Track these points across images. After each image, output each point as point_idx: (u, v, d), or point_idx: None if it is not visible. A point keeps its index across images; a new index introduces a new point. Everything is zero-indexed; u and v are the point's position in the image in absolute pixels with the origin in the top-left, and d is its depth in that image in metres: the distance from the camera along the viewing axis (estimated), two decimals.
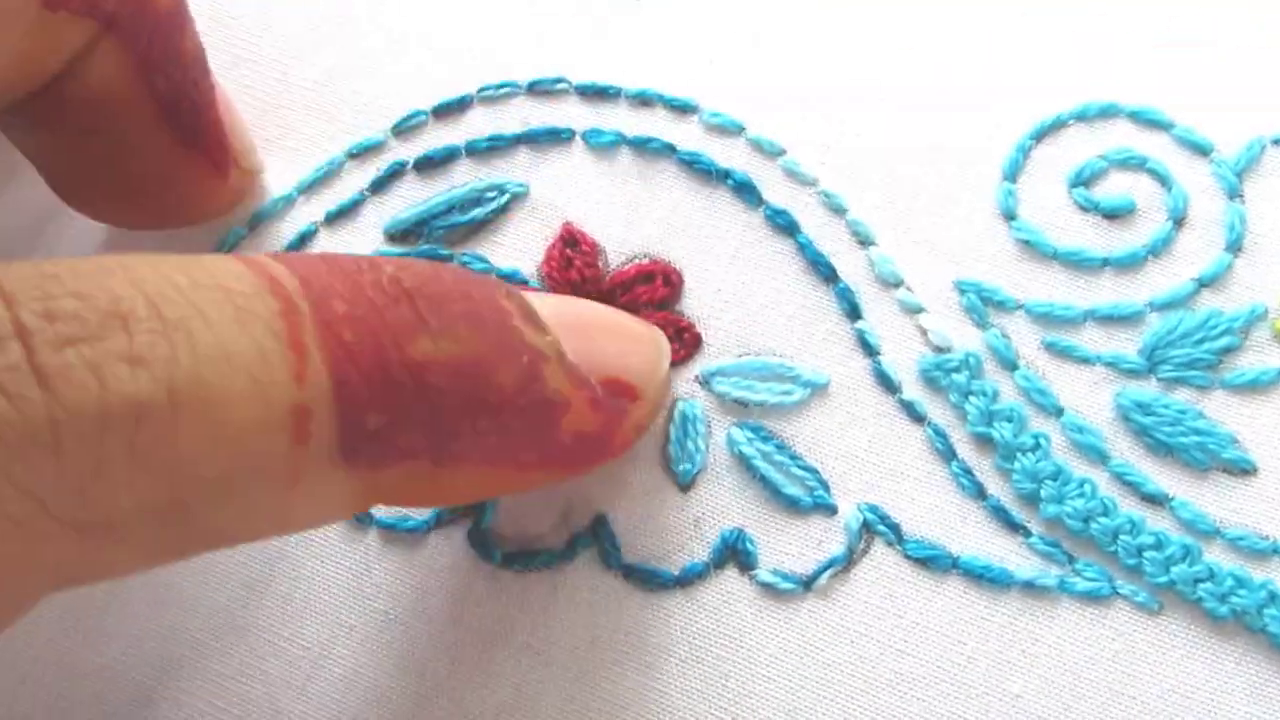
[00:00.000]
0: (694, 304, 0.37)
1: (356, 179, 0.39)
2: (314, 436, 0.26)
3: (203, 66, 0.36)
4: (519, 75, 0.39)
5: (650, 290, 0.37)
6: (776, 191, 0.38)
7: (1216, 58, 0.37)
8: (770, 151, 0.38)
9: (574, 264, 0.37)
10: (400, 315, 0.27)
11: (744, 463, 0.36)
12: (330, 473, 0.27)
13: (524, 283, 0.37)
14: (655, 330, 0.35)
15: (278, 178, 0.39)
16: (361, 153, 0.39)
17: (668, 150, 0.38)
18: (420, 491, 0.30)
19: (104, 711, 0.37)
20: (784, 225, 0.37)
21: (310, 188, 0.39)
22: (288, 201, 0.39)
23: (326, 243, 0.39)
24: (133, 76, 0.34)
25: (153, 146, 0.35)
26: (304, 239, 0.39)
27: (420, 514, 0.36)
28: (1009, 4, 0.38)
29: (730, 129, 0.38)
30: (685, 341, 0.37)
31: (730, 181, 0.38)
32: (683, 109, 0.38)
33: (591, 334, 0.32)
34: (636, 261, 0.37)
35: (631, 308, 0.37)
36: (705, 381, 0.37)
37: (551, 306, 0.31)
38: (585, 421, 0.31)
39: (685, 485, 0.36)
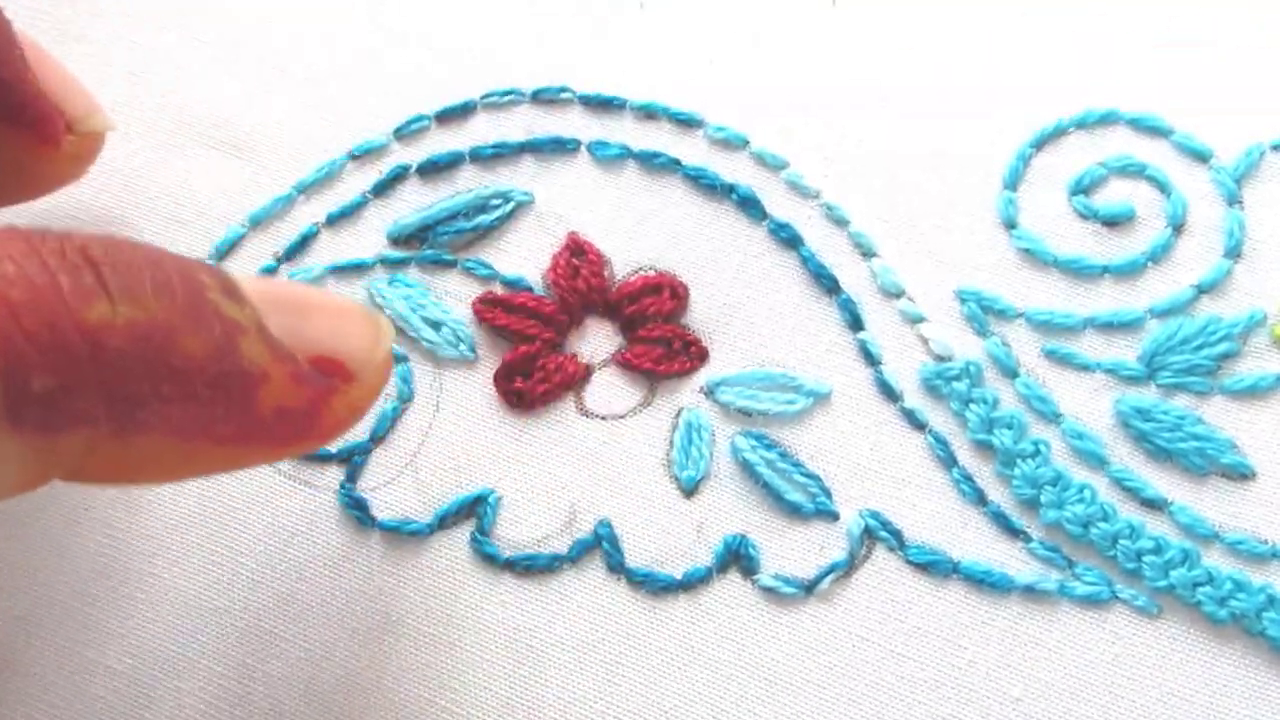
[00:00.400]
0: (700, 317, 0.37)
1: (358, 181, 0.39)
2: None
3: (6, 42, 0.35)
4: (519, 75, 0.39)
5: (658, 303, 0.37)
6: (780, 204, 0.38)
7: (1216, 59, 0.38)
8: (774, 165, 0.38)
9: (580, 273, 0.37)
10: (79, 280, 0.27)
11: (747, 470, 0.36)
12: None
13: (529, 290, 0.38)
14: (378, 314, 0.33)
15: (275, 176, 0.39)
16: (363, 155, 0.39)
17: (673, 165, 0.38)
18: (107, 463, 0.28)
19: (106, 712, 0.37)
20: (787, 239, 0.38)
21: (310, 188, 0.39)
22: (287, 201, 0.39)
23: (328, 244, 0.39)
24: None
25: None
26: (305, 240, 0.39)
27: (423, 517, 0.37)
28: (1008, 9, 0.39)
29: (735, 143, 0.38)
30: (692, 355, 0.37)
31: (735, 196, 0.38)
32: (687, 123, 0.39)
33: (303, 311, 0.31)
34: (642, 273, 0.38)
35: (639, 318, 0.37)
36: (710, 391, 0.37)
37: (260, 284, 0.31)
38: (287, 396, 0.30)
39: (689, 491, 0.36)
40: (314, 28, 0.40)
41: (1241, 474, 0.35)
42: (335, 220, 0.39)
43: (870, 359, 0.37)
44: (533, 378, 0.37)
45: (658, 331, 0.37)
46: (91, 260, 0.27)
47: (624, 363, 0.37)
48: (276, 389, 0.29)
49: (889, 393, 0.36)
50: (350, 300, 0.34)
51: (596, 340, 0.38)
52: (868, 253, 0.37)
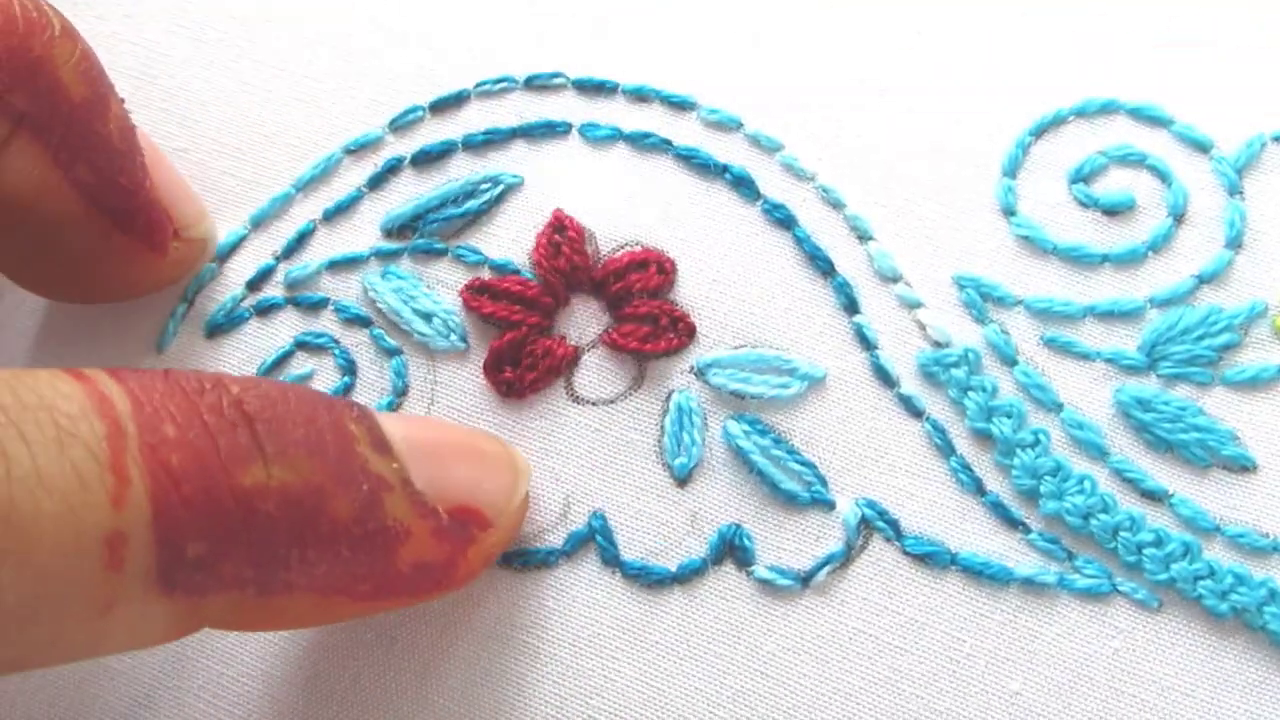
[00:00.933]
0: (688, 293, 0.37)
1: (354, 175, 0.39)
2: (129, 563, 0.26)
3: (129, 149, 0.36)
4: (517, 72, 0.39)
5: (644, 278, 0.37)
6: (774, 186, 0.37)
7: (1217, 57, 0.37)
8: (768, 147, 0.38)
9: (562, 250, 0.37)
10: (235, 441, 0.27)
11: (741, 457, 0.36)
12: (148, 600, 0.26)
13: (515, 272, 0.37)
14: (514, 453, 0.35)
15: (275, 176, 0.39)
16: (359, 149, 0.39)
17: (665, 145, 0.38)
18: (249, 618, 0.29)
19: (107, 713, 0.36)
20: (781, 219, 0.37)
21: (308, 185, 0.39)
22: (285, 199, 0.39)
23: (325, 241, 0.39)
24: (49, 169, 0.34)
25: (83, 233, 0.35)
26: (302, 238, 0.39)
27: None
28: (1010, 3, 0.38)
29: (728, 125, 0.38)
30: (679, 330, 0.36)
31: (728, 176, 0.37)
32: (680, 105, 0.38)
33: (444, 458, 0.31)
34: (628, 249, 0.37)
35: (625, 295, 0.37)
36: (701, 373, 0.36)
37: (404, 429, 0.31)
38: (427, 551, 0.30)
39: (682, 480, 0.36)
40: (314, 28, 0.40)
41: (1243, 466, 0.35)
42: (331, 216, 0.39)
43: (866, 343, 0.36)
44: (521, 365, 0.37)
45: (644, 308, 0.36)
46: (247, 416, 0.27)
47: (611, 343, 0.36)
48: (418, 545, 0.30)
49: (885, 378, 0.36)
50: (489, 439, 0.35)
51: (584, 320, 0.37)
52: (864, 236, 0.37)
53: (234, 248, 0.39)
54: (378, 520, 0.29)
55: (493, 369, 0.37)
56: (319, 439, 0.28)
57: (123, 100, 0.36)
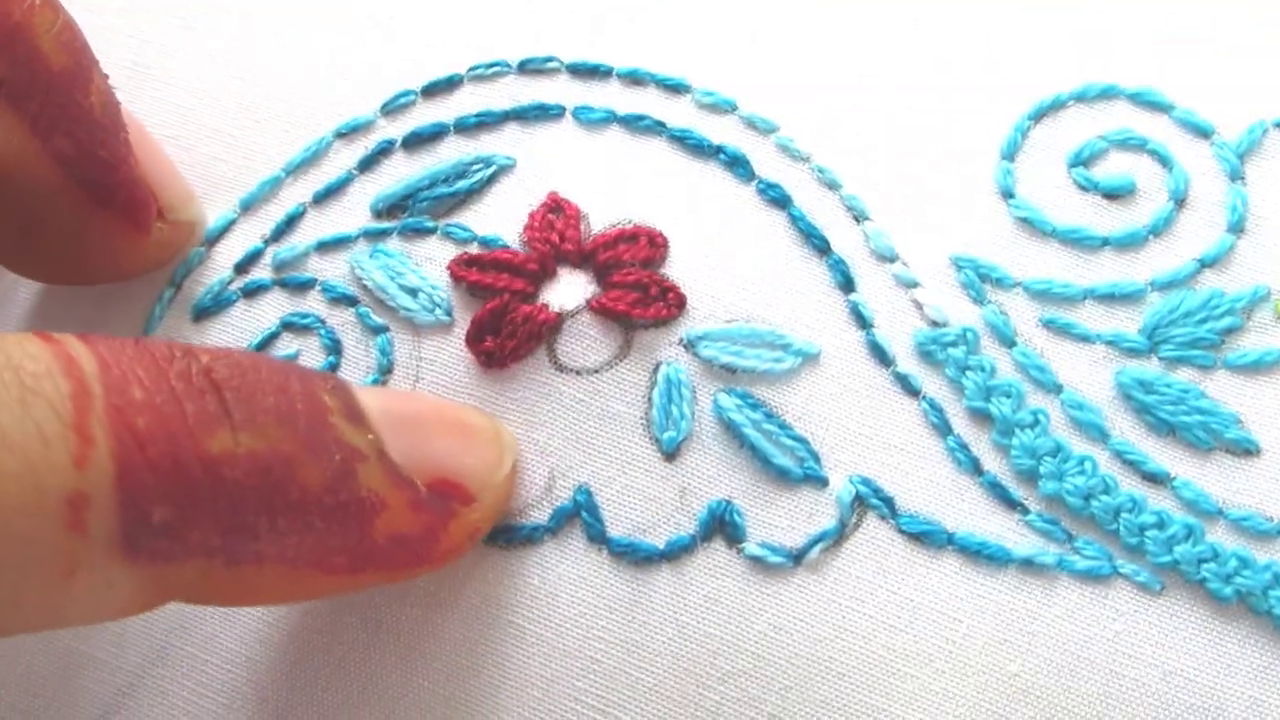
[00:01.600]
0: (680, 268, 0.36)
1: (345, 158, 0.39)
2: (92, 525, 0.25)
3: (112, 124, 0.35)
4: (506, 52, 0.39)
5: (633, 250, 0.36)
6: (769, 167, 0.37)
7: (1216, 52, 0.37)
8: (763, 129, 0.37)
9: (554, 226, 0.36)
10: (202, 407, 0.27)
11: (732, 430, 0.35)
12: (111, 565, 0.26)
13: (504, 247, 0.37)
14: (500, 428, 0.34)
15: (266, 160, 0.39)
16: (350, 132, 0.39)
17: (658, 127, 0.38)
18: (218, 590, 0.28)
19: (92, 702, 0.36)
20: (776, 198, 0.37)
21: (298, 168, 0.39)
22: (275, 183, 0.39)
23: (314, 222, 0.38)
24: (27, 139, 0.33)
25: (62, 206, 0.35)
26: (291, 220, 0.39)
27: None
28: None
29: (723, 107, 0.38)
30: (669, 301, 0.36)
31: (722, 156, 0.37)
32: (675, 88, 0.38)
33: (424, 430, 0.31)
34: (620, 226, 0.37)
35: (614, 265, 0.36)
36: (691, 345, 0.36)
37: (382, 401, 0.30)
38: (404, 523, 0.29)
39: (670, 454, 0.35)
40: (308, 22, 0.40)
41: (1246, 450, 0.34)
42: (322, 198, 0.39)
43: (862, 321, 0.36)
44: (501, 333, 0.36)
45: (633, 277, 0.36)
46: (216, 384, 0.27)
47: (599, 307, 0.36)
48: (393, 517, 0.29)
49: (881, 356, 0.35)
50: (474, 412, 0.34)
51: (571, 290, 0.37)
52: (860, 216, 0.36)
53: (223, 231, 0.39)
54: (351, 491, 0.28)
55: (474, 340, 0.36)
56: (289, 407, 0.28)
57: (106, 76, 0.36)
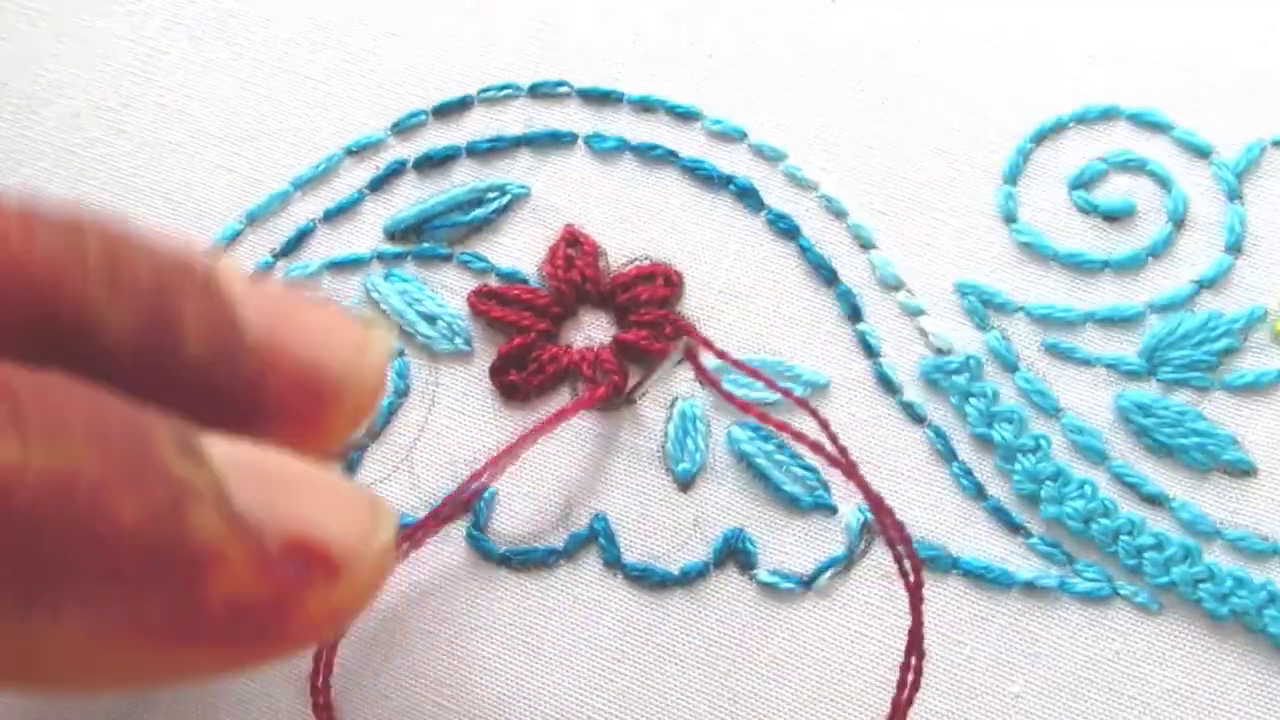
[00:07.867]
0: (695, 305, 0.37)
1: (355, 176, 0.39)
2: None
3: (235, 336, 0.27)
4: (518, 74, 0.39)
5: (650, 289, 0.37)
6: (778, 196, 0.38)
7: (1216, 67, 0.37)
8: (772, 157, 0.38)
9: (575, 264, 0.37)
10: None
11: (744, 461, 0.36)
12: None
13: (524, 282, 0.38)
14: (380, 501, 0.27)
15: (274, 173, 0.39)
16: (360, 150, 0.39)
17: (670, 157, 0.38)
18: (10, 653, 0.22)
19: (102, 712, 0.36)
20: (785, 229, 0.37)
21: (307, 184, 0.39)
22: (284, 197, 0.39)
23: (325, 240, 0.38)
24: None
25: None
26: (302, 236, 0.38)
27: (419, 512, 0.36)
28: (1011, 13, 0.38)
29: (733, 135, 0.38)
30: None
31: (732, 187, 0.38)
32: (685, 115, 0.38)
33: (279, 484, 0.25)
34: (637, 264, 0.37)
35: (631, 306, 0.37)
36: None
37: (235, 447, 0.24)
38: (246, 585, 0.23)
39: (685, 484, 0.36)
40: (314, 27, 0.40)
41: (1242, 470, 0.35)
42: (332, 216, 0.39)
43: (869, 351, 0.36)
44: (527, 370, 0.37)
45: (649, 316, 0.37)
46: (10, 391, 0.22)
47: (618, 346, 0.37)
48: (232, 575, 0.23)
49: (888, 385, 0.36)
50: (345, 481, 0.28)
51: (591, 331, 0.37)
52: (866, 244, 0.37)
53: (230, 241, 0.38)
54: (177, 532, 0.22)
55: (498, 372, 0.37)
56: (101, 426, 0.22)
57: None
